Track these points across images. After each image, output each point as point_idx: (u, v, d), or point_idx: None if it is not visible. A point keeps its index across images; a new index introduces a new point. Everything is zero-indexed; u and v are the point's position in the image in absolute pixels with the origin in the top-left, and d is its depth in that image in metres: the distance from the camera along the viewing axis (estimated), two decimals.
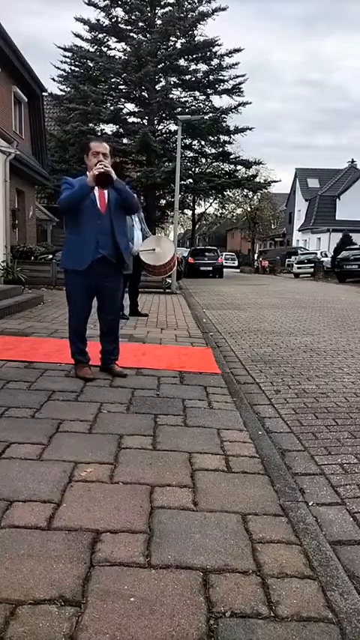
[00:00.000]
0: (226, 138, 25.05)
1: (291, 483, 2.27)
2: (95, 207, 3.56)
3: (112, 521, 1.84)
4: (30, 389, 3.42)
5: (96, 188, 3.49)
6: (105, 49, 23.63)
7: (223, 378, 4.03)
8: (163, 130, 24.74)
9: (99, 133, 21.95)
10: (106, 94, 23.29)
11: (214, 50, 23.15)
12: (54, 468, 2.23)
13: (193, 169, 27.33)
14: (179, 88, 23.98)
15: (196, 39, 22.74)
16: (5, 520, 1.81)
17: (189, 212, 40.06)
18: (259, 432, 2.87)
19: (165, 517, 1.89)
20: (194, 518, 1.89)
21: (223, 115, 23.84)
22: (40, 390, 3.38)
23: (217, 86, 24.01)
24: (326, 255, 27.89)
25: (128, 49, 22.43)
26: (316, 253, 29.73)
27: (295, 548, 1.75)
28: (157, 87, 22.99)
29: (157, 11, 22.70)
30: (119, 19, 22.75)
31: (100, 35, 23.29)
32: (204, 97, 24.56)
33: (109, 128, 24.03)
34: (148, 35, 22.26)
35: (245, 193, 36.62)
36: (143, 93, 23.41)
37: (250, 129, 24.53)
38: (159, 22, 22.24)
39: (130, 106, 24.27)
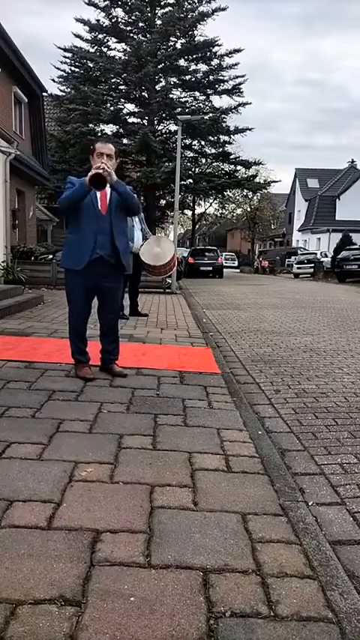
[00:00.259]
0: (226, 138, 25.05)
1: (291, 483, 2.27)
2: (95, 207, 3.56)
3: (112, 521, 1.84)
4: (30, 389, 3.42)
5: None
6: (105, 50, 23.64)
7: (223, 378, 4.03)
8: (163, 130, 24.76)
9: (99, 134, 21.92)
10: (106, 95, 23.28)
11: (214, 50, 23.16)
12: (54, 468, 2.23)
13: (193, 169, 27.32)
14: (179, 89, 23.98)
15: (196, 39, 22.74)
16: (5, 520, 1.81)
17: (189, 212, 40.06)
18: (259, 432, 2.87)
19: (165, 517, 1.89)
20: (194, 518, 1.89)
21: (223, 115, 23.83)
22: (40, 390, 3.39)
23: (217, 86, 24.01)
24: (326, 256, 27.89)
25: (128, 49, 22.43)
26: (315, 253, 29.73)
27: (294, 548, 1.75)
28: (157, 87, 22.99)
29: (157, 11, 22.70)
30: (119, 20, 22.76)
31: (100, 36, 23.29)
32: (204, 97, 24.57)
33: (109, 128, 24.05)
34: (148, 35, 22.26)
35: (245, 193, 36.64)
36: (143, 93, 23.41)
37: (250, 129, 24.54)
38: (159, 22, 22.23)
39: (130, 107, 24.31)
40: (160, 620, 1.38)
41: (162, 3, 22.56)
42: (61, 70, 24.10)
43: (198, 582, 1.54)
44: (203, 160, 27.66)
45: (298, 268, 27.43)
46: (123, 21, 22.85)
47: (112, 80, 23.65)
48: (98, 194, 3.55)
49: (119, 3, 22.47)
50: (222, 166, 28.55)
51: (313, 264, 26.59)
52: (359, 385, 4.14)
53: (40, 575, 1.53)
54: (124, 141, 22.84)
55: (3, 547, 1.66)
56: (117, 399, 3.27)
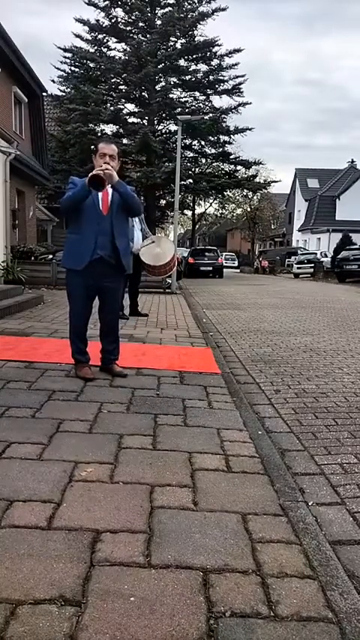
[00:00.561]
0: (226, 138, 25.04)
1: (291, 483, 2.27)
2: (96, 208, 3.56)
3: (112, 521, 1.84)
4: (30, 389, 3.42)
5: None
6: (105, 50, 23.63)
7: (223, 378, 4.03)
8: (163, 130, 24.75)
9: (99, 134, 21.93)
10: (106, 95, 23.28)
11: (214, 50, 23.14)
12: (54, 468, 2.23)
13: (193, 169, 27.31)
14: (179, 89, 23.97)
15: (196, 39, 22.73)
16: (5, 520, 1.81)
17: (189, 212, 40.05)
18: (259, 432, 2.87)
19: (165, 517, 1.89)
20: (194, 518, 1.89)
21: (223, 115, 23.82)
22: (40, 390, 3.39)
23: (217, 86, 24.00)
24: (326, 256, 27.88)
25: (128, 49, 22.42)
26: (315, 253, 29.72)
27: (294, 548, 1.75)
28: (157, 87, 22.98)
29: (157, 11, 22.69)
30: (119, 20, 22.75)
31: (100, 36, 23.29)
32: (204, 97, 24.55)
33: (109, 128, 24.05)
34: (148, 35, 22.24)
35: (245, 193, 36.63)
36: (143, 93, 23.41)
37: (250, 129, 24.52)
38: (159, 22, 22.22)
39: (130, 107, 24.30)
40: (160, 620, 1.38)
41: (162, 3, 22.55)
42: (61, 70, 24.12)
43: (198, 582, 1.54)
44: (203, 160, 27.66)
45: (298, 268, 27.42)
46: (123, 21, 22.85)
47: (112, 80, 23.65)
48: (100, 194, 3.55)
49: (119, 3, 22.46)
50: (222, 166, 28.55)
51: (313, 264, 26.58)
52: (359, 385, 4.14)
53: (40, 575, 1.53)
54: (124, 141, 22.83)
55: (3, 547, 1.66)
56: (117, 399, 3.27)
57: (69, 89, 23.51)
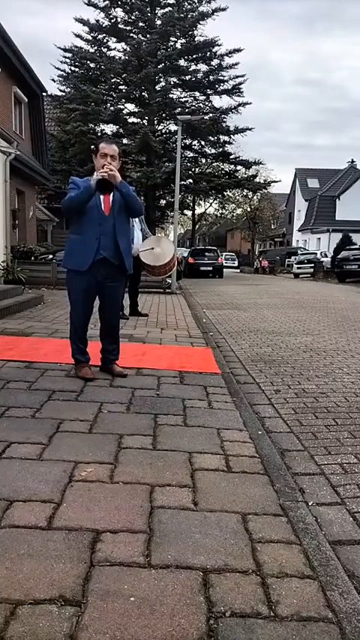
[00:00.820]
0: (226, 138, 25.05)
1: (291, 483, 2.27)
2: (99, 208, 3.57)
3: (112, 521, 1.84)
4: (30, 389, 3.42)
5: None
6: (105, 50, 23.65)
7: (223, 378, 4.03)
8: (163, 130, 24.77)
9: (99, 134, 21.94)
10: (106, 95, 23.30)
11: (214, 50, 23.16)
12: (54, 468, 2.23)
13: (193, 169, 27.33)
14: (179, 89, 23.98)
15: (196, 39, 22.74)
16: (5, 520, 1.81)
17: (189, 212, 40.07)
18: (259, 432, 2.87)
19: (165, 517, 1.89)
20: (194, 518, 1.89)
21: (223, 116, 23.83)
22: (40, 390, 3.39)
23: (217, 86, 24.01)
24: (326, 256, 27.88)
25: (128, 49, 22.44)
26: (315, 253, 29.71)
27: (294, 548, 1.75)
28: (157, 87, 22.99)
29: (157, 11, 22.71)
30: (119, 20, 22.76)
31: (100, 36, 23.30)
32: (204, 97, 24.56)
33: (110, 128, 24.07)
34: (148, 35, 22.25)
35: (245, 193, 36.65)
36: (143, 93, 23.41)
37: (250, 129, 24.53)
38: (159, 22, 22.23)
39: (130, 107, 24.31)
40: (160, 620, 1.38)
41: (162, 3, 22.57)
42: (61, 70, 24.15)
43: (198, 582, 1.54)
44: (203, 160, 27.68)
45: (298, 268, 27.42)
46: (123, 21, 22.85)
47: (112, 80, 23.66)
48: (101, 195, 3.55)
49: (119, 3, 22.47)
50: (222, 166, 28.57)
51: (313, 264, 26.57)
52: (359, 385, 4.14)
53: (40, 575, 1.53)
54: (125, 141, 22.84)
55: (3, 547, 1.66)
56: (117, 399, 3.27)
57: (69, 89, 23.51)
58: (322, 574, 1.62)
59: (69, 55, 23.51)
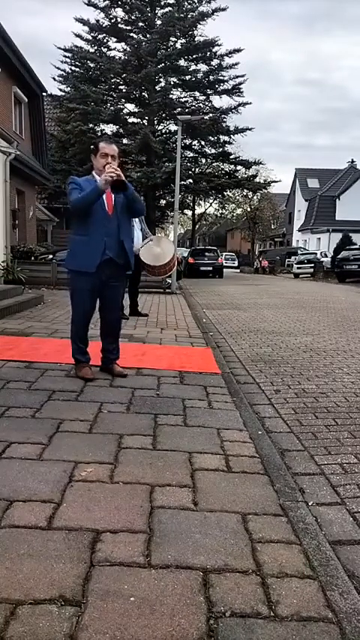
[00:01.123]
0: (226, 138, 25.04)
1: (291, 483, 2.27)
2: (104, 209, 3.56)
3: (112, 521, 1.84)
4: (30, 389, 3.42)
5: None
6: (105, 50, 23.64)
7: (223, 378, 4.03)
8: (163, 130, 24.76)
9: (99, 133, 21.93)
10: (106, 94, 23.29)
11: (214, 50, 23.15)
12: (54, 468, 2.23)
13: (193, 169, 27.32)
14: (179, 89, 23.98)
15: (196, 39, 22.74)
16: (5, 520, 1.82)
17: (189, 212, 40.07)
18: (259, 432, 2.87)
19: (165, 517, 1.89)
20: (194, 518, 1.89)
21: (223, 116, 23.83)
22: (40, 390, 3.39)
23: (217, 86, 24.01)
24: (326, 256, 27.88)
25: (128, 49, 22.44)
26: (315, 253, 29.71)
27: (294, 548, 1.75)
28: (157, 87, 22.99)
29: (157, 11, 22.70)
30: (119, 20, 22.76)
31: (100, 36, 23.30)
32: (204, 97, 24.56)
33: (110, 128, 24.07)
34: (148, 35, 22.25)
35: (245, 193, 36.64)
36: (143, 93, 23.41)
37: (250, 129, 24.52)
38: (159, 22, 22.22)
39: (130, 107, 24.32)
40: (160, 620, 1.38)
41: (162, 3, 22.56)
42: (61, 70, 24.13)
43: (198, 582, 1.54)
44: (203, 160, 27.67)
45: (298, 268, 27.41)
46: (123, 21, 22.85)
47: (112, 80, 23.67)
48: (104, 196, 3.55)
49: (119, 3, 22.47)
50: (222, 166, 28.56)
51: (313, 264, 26.57)
52: (359, 385, 4.14)
53: (40, 575, 1.53)
54: (124, 141, 22.85)
55: (3, 547, 1.66)
56: (117, 399, 3.27)
57: (69, 88, 23.51)
58: (322, 574, 1.62)
59: (69, 54, 23.50)
